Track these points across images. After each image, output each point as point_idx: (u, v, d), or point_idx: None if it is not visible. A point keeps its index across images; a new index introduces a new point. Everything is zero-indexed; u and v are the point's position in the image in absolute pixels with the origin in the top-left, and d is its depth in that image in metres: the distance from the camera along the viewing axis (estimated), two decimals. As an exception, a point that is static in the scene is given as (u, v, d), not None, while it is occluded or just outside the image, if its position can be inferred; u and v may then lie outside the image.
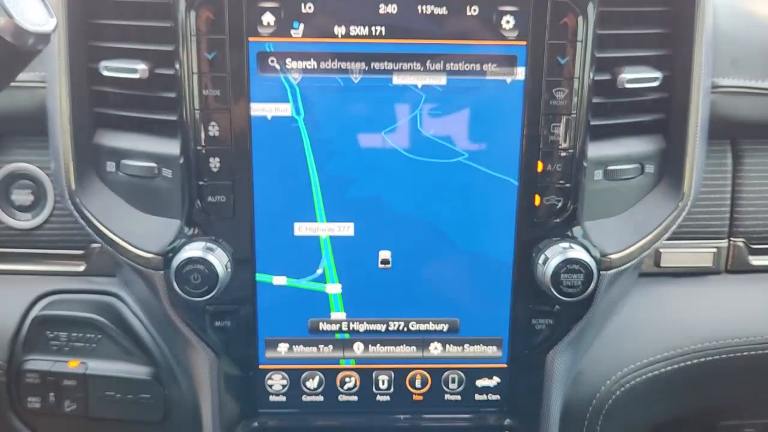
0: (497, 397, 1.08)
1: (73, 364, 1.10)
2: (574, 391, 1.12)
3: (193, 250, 0.95)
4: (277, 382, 1.07)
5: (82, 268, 1.15)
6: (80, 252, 1.15)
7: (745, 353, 1.15)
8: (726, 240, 1.18)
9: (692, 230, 1.17)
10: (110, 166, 1.01)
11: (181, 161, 0.96)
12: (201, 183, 0.96)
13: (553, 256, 0.97)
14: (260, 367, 1.05)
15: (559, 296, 0.97)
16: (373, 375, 1.06)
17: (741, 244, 1.18)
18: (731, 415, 1.35)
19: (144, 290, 1.06)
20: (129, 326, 1.12)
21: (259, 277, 1.01)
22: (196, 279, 0.95)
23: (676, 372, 1.14)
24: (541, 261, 0.98)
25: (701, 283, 1.19)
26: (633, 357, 1.13)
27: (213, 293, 0.95)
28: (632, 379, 1.13)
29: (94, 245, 1.14)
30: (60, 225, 1.14)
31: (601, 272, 1.00)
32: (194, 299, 0.95)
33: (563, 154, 0.97)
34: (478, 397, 1.08)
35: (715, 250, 1.18)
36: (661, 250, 1.17)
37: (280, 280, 1.01)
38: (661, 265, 1.18)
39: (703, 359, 1.14)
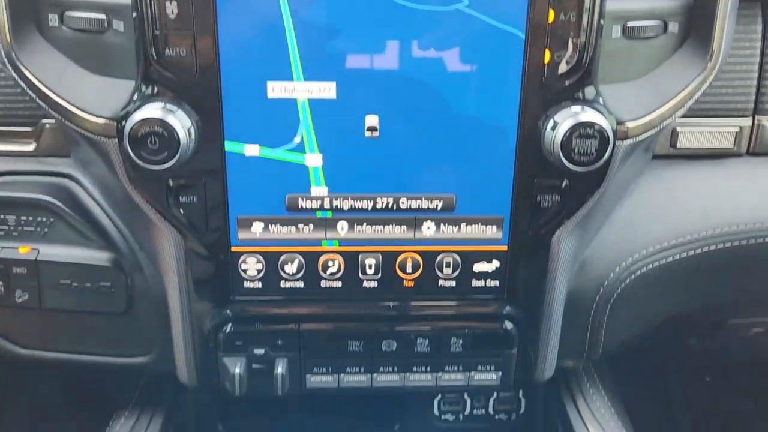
0: (496, 283, 0.98)
1: (24, 250, 0.99)
2: (580, 279, 1.03)
3: (151, 110, 0.83)
4: (251, 266, 0.96)
5: (31, 148, 1.03)
6: (29, 129, 1.02)
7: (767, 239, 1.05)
8: (750, 118, 1.07)
9: (713, 107, 1.05)
10: (53, 19, 0.88)
11: (134, 8, 0.83)
12: (157, 33, 0.83)
13: (564, 120, 0.85)
14: (232, 249, 0.95)
15: (569, 165, 0.86)
16: (359, 258, 0.96)
17: (766, 123, 1.07)
18: (741, 311, 1.28)
19: (102, 169, 0.94)
20: (85, 209, 1.00)
21: (229, 145, 0.89)
22: (153, 144, 0.83)
23: (691, 259, 1.04)
24: (549, 127, 0.87)
25: (720, 165, 1.08)
26: (645, 243, 1.04)
27: (174, 161, 0.83)
28: (643, 266, 1.03)
29: (45, 121, 1.01)
30: (3, 97, 1.01)
31: (617, 142, 0.89)
32: (153, 167, 0.84)
33: (578, 1, 0.84)
34: (475, 283, 0.98)
35: (737, 129, 1.07)
36: (678, 129, 1.05)
37: (252, 150, 0.89)
38: (678, 146, 1.07)
39: (721, 245, 1.04)
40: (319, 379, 1.02)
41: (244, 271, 0.96)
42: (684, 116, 1.01)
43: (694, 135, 1.06)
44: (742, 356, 1.51)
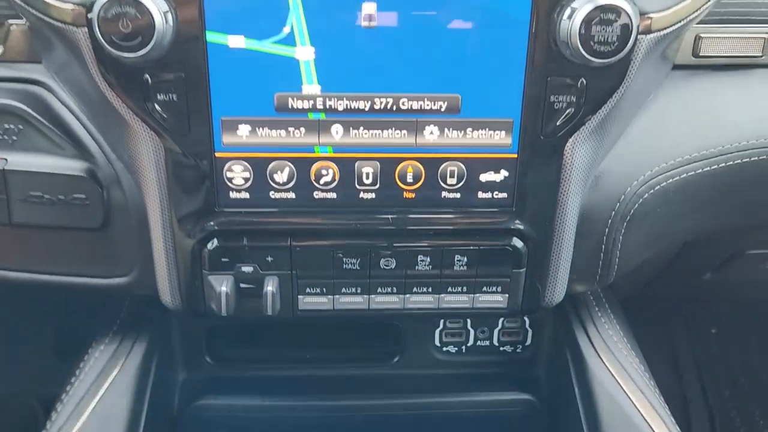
0: (504, 195, 0.90)
1: (-10, 160, 0.91)
2: (595, 194, 0.95)
3: None
4: (238, 174, 0.88)
5: None
6: (-6, 32, 0.94)
7: None
8: None
9: (741, 11, 0.97)
10: None
11: None
12: None
13: (582, 5, 0.77)
14: (216, 155, 0.86)
15: (588, 56, 0.78)
16: (355, 166, 0.88)
17: None
18: (761, 241, 1.21)
19: (76, 73, 0.86)
20: (57, 116, 0.92)
21: (210, 36, 0.80)
22: (125, 26, 0.75)
23: (715, 174, 0.96)
24: (566, 15, 0.78)
25: (747, 75, 1.00)
26: (665, 156, 0.96)
27: (149, 47, 0.75)
28: (663, 181, 0.95)
29: (12, 21, 0.92)
30: None
31: (639, 36, 0.81)
32: (125, 55, 0.76)
33: None
34: (481, 195, 0.90)
35: (766, 35, 0.98)
36: (703, 35, 0.97)
37: (237, 41, 0.81)
38: (701, 54, 0.98)
39: (747, 159, 0.96)
40: (312, 300, 0.95)
41: (230, 179, 0.88)
42: (709, 21, 0.93)
43: (720, 41, 0.98)
44: (758, 293, 1.45)
